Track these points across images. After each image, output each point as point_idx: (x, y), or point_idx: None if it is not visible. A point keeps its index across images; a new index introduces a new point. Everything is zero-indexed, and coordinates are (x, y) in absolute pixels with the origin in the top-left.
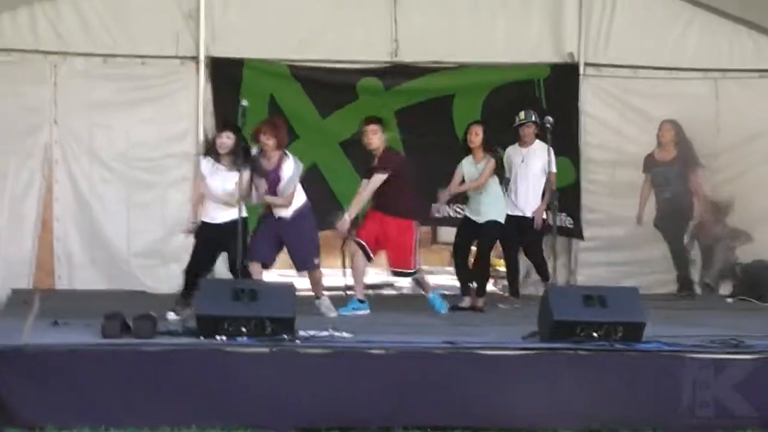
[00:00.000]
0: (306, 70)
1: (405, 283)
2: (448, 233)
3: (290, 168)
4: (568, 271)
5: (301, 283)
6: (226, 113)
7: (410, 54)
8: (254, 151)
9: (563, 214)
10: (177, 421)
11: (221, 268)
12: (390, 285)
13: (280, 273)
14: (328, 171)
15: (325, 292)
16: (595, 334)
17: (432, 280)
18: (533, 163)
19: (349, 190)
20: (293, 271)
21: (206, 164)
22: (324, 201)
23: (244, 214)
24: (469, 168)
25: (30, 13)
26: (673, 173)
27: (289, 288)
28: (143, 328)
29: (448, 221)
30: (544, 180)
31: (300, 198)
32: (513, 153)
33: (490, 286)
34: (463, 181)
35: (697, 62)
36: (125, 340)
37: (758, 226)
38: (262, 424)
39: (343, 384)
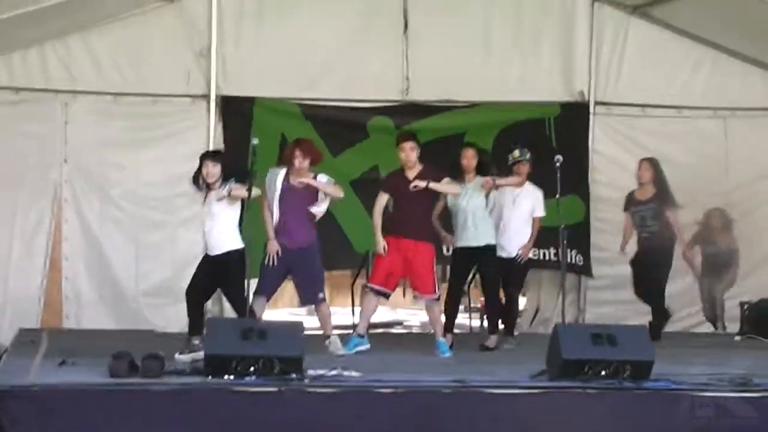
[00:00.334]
0: (317, 108)
1: (415, 322)
2: None
3: (323, 177)
4: (578, 309)
5: (310, 322)
6: (236, 152)
7: (421, 92)
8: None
9: (573, 251)
10: None
11: (228, 305)
12: (399, 323)
13: (290, 312)
14: (338, 210)
15: (335, 331)
16: (603, 373)
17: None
18: (523, 204)
19: (359, 229)
20: (303, 310)
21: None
22: (334, 240)
23: (242, 245)
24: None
25: (41, 51)
26: (650, 212)
27: (298, 327)
28: (151, 368)
29: None
30: (530, 223)
31: (312, 231)
32: (503, 193)
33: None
34: (445, 208)
35: (707, 101)
36: (133, 379)
37: (765, 265)
38: None
39: (352, 423)
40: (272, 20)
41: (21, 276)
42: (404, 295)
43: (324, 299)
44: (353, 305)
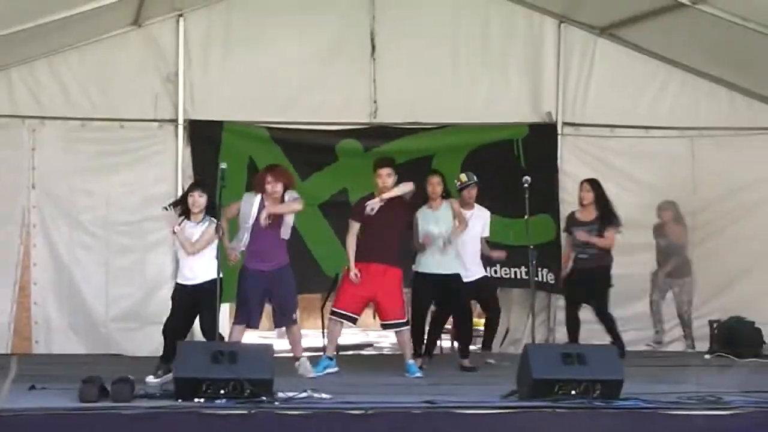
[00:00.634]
0: (285, 132)
1: (385, 343)
2: None
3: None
4: (548, 329)
5: (280, 345)
6: (205, 176)
7: (389, 115)
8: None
9: (545, 270)
10: None
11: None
12: (370, 345)
13: (260, 335)
14: (306, 233)
15: (305, 353)
16: (573, 392)
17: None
18: (476, 226)
19: (328, 253)
20: (273, 333)
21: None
22: (304, 264)
23: (219, 274)
24: (427, 217)
25: (7, 77)
26: (592, 233)
27: (268, 350)
28: (121, 392)
29: None
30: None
31: (286, 252)
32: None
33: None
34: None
35: (674, 121)
36: (103, 404)
37: (734, 283)
38: None
39: None
40: (240, 45)
41: None
42: (374, 317)
43: (296, 321)
44: (323, 327)
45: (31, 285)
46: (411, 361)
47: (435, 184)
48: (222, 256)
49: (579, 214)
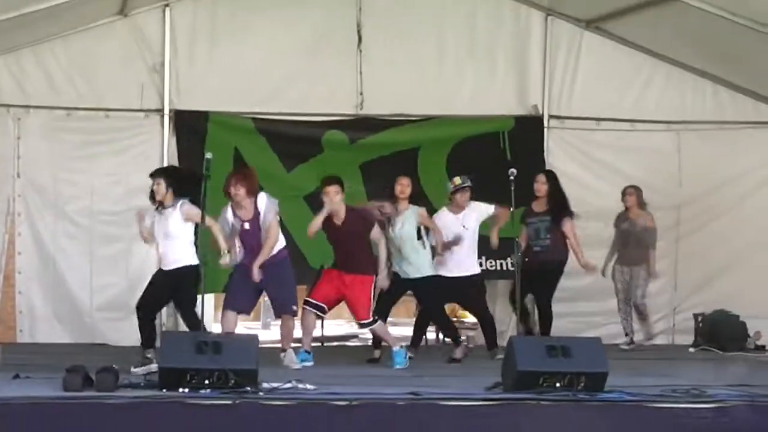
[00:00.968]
0: (270, 123)
1: (369, 335)
2: None
3: (263, 200)
4: (532, 322)
5: (265, 336)
6: (190, 166)
7: (375, 107)
8: (226, 219)
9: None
10: None
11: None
12: (355, 336)
13: (246, 326)
14: (292, 225)
15: (293, 344)
16: (558, 384)
17: (398, 331)
18: (470, 223)
19: (314, 245)
20: (257, 324)
21: (150, 213)
22: (288, 255)
23: (196, 261)
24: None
25: None
26: (544, 225)
27: (252, 340)
28: (105, 381)
29: None
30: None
31: (281, 242)
32: (449, 221)
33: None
34: None
35: (660, 114)
36: (87, 393)
37: (720, 278)
38: None
39: None
40: (226, 35)
41: None
42: None
43: (296, 312)
44: None
45: (16, 274)
46: (396, 349)
47: (404, 185)
48: (204, 244)
49: (534, 205)
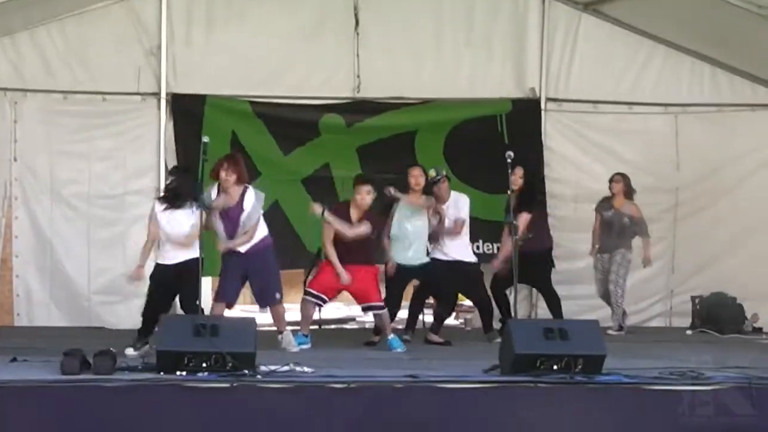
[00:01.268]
0: (268, 106)
1: (368, 318)
2: None
3: (251, 199)
4: (530, 305)
5: (263, 319)
6: (187, 150)
7: (373, 90)
8: (210, 195)
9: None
10: None
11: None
12: (352, 319)
13: (243, 309)
14: (289, 208)
15: (288, 327)
16: (555, 367)
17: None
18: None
19: (311, 228)
20: (255, 307)
21: (159, 206)
22: (285, 238)
23: (199, 254)
24: (406, 210)
25: None
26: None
27: (250, 323)
28: (103, 365)
29: None
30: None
31: (263, 231)
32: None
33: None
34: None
35: (657, 97)
36: (85, 376)
37: (718, 260)
38: None
39: (304, 418)
40: (223, 19)
41: None
42: None
43: (281, 300)
44: None
45: (13, 258)
46: (391, 336)
47: (416, 176)
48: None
49: (511, 197)
